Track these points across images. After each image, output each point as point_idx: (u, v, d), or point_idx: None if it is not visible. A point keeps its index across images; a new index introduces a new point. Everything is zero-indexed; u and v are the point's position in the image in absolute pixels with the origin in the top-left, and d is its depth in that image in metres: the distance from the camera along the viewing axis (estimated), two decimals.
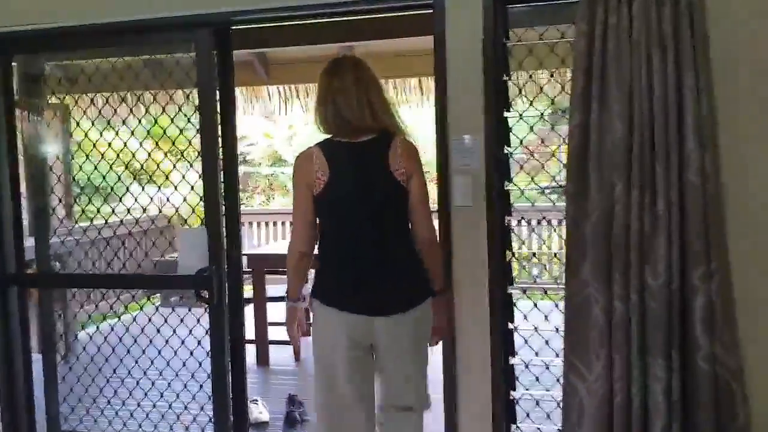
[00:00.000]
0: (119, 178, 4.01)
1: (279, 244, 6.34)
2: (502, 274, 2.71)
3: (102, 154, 3.58)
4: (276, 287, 5.02)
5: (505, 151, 2.81)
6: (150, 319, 3.59)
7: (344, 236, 2.40)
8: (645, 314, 2.29)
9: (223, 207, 3.14)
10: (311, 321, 2.55)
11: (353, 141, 2.39)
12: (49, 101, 3.67)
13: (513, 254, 2.87)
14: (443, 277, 2.53)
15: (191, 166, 3.37)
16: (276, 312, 4.75)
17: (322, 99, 2.42)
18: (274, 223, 7.62)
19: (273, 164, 25.13)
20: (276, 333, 5.04)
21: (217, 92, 3.04)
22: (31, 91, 3.53)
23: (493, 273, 2.69)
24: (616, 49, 2.33)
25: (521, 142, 2.95)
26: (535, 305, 3.01)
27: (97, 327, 4.31)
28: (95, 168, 3.52)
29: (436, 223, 2.54)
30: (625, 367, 2.31)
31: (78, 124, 3.85)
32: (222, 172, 3.09)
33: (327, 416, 2.45)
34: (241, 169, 24.23)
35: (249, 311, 4.96)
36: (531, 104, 3.03)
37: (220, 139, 3.11)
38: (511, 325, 2.78)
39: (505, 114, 2.79)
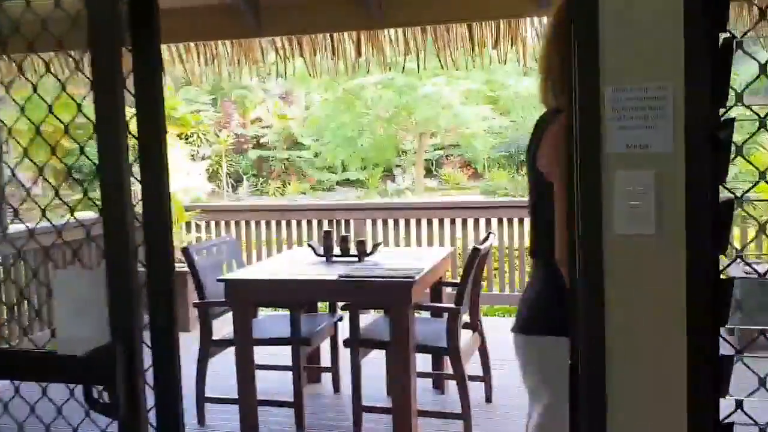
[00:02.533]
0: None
1: (278, 262, 3.88)
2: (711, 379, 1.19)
3: None
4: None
5: (727, 117, 1.27)
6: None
7: None
8: None
9: (137, 222, 1.66)
10: None
11: None
12: None
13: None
14: None
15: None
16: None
17: None
18: (288, 224, 5.79)
19: (289, 148, 23.84)
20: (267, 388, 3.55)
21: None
22: None
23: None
24: None
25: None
26: None
27: None
28: None
29: None
30: None
31: None
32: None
33: None
34: (256, 153, 23.08)
35: (225, 360, 3.48)
36: None
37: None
38: None
39: (723, 38, 1.26)
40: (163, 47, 4.51)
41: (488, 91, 13.30)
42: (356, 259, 3.54)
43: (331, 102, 14.46)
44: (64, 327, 1.76)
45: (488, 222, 5.39)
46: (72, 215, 1.84)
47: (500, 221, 5.35)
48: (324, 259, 3.59)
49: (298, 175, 23.60)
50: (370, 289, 3.11)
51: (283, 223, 5.67)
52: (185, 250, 3.58)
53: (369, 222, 5.50)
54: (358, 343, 3.27)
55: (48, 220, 1.83)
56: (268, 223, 5.70)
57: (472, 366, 3.56)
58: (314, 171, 23.17)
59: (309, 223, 5.66)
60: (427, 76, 12.83)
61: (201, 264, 3.68)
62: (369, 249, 3.59)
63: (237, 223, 5.80)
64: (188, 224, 5.76)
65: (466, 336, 3.44)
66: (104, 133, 1.65)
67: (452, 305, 3.18)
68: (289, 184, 23.28)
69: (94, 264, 5.01)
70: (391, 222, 5.51)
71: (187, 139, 24.01)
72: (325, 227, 5.55)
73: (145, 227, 1.73)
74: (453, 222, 5.43)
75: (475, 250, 3.19)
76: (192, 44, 4.40)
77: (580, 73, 1.32)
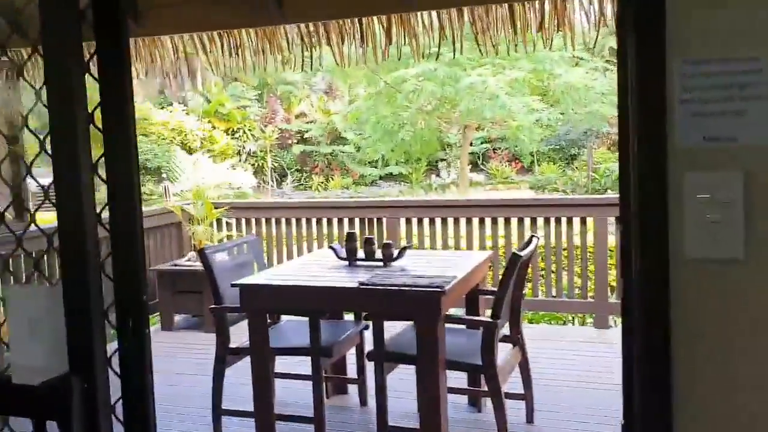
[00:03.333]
0: None
1: (298, 265, 3.53)
2: None
3: None
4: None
5: None
6: None
7: None
8: None
9: (105, 230, 1.41)
10: None
11: None
12: None
13: None
14: None
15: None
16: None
17: None
18: (318, 222, 5.52)
19: (332, 142, 23.68)
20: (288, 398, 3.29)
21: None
22: None
23: None
24: None
25: None
26: None
27: None
28: None
29: None
30: None
31: None
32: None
33: None
34: (300, 147, 23.04)
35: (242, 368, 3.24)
36: None
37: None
38: None
39: None
40: (186, 37, 4.31)
41: (535, 81, 12.76)
42: (381, 263, 3.25)
43: (372, 96, 14.14)
44: (19, 351, 1.52)
45: (533, 221, 5.01)
46: (32, 222, 1.59)
47: (547, 220, 4.96)
48: (346, 262, 3.30)
49: (341, 169, 23.44)
50: (394, 299, 2.81)
51: (314, 221, 5.41)
52: (201, 252, 3.35)
53: (402, 221, 5.18)
54: (383, 358, 2.98)
55: (6, 226, 1.59)
56: (298, 221, 5.46)
57: (512, 381, 3.22)
58: (357, 165, 22.97)
59: (340, 221, 5.39)
60: (471, 66, 12.38)
61: (221, 266, 3.44)
62: (395, 253, 3.28)
63: (267, 221, 5.57)
64: (218, 222, 5.57)
65: (504, 350, 3.11)
66: (58, 125, 1.39)
67: (488, 319, 2.85)
68: (332, 178, 23.13)
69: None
70: (426, 221, 5.19)
71: (233, 134, 24.19)
72: (357, 226, 5.26)
73: (112, 235, 1.47)
74: (495, 221, 5.05)
75: (515, 257, 2.85)
76: (215, 34, 4.17)
77: (638, 41, 0.99)
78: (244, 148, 23.37)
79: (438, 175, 24.87)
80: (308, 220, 5.45)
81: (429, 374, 2.82)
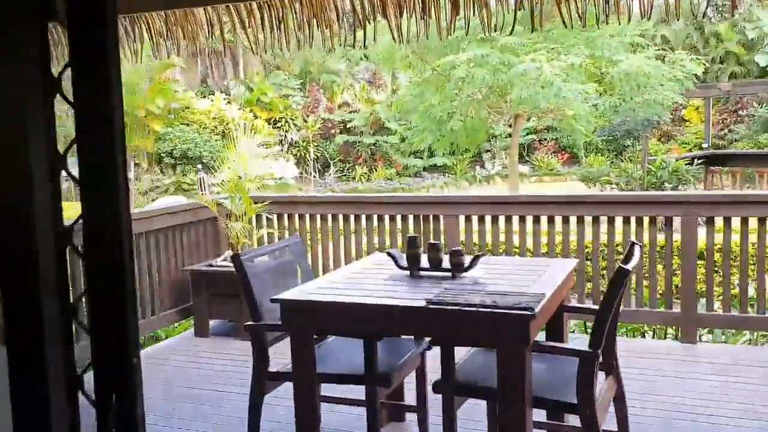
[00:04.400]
0: None
1: (351, 274, 2.96)
2: None
3: None
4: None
5: None
6: None
7: None
8: None
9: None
10: None
11: None
12: None
13: None
14: None
15: None
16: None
17: None
18: (368, 218, 4.76)
19: (375, 132, 23.16)
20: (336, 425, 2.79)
21: None
22: None
23: None
24: None
25: None
26: None
27: None
28: None
29: None
30: None
31: None
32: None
33: None
34: (343, 137, 22.68)
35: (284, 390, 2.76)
36: None
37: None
38: None
39: None
40: (221, 9, 3.82)
41: (593, 68, 11.97)
42: (449, 274, 2.70)
43: (419, 84, 13.49)
44: None
45: (611, 221, 4.40)
46: None
47: (626, 220, 4.35)
48: (408, 273, 2.77)
49: (385, 160, 22.90)
50: (470, 323, 2.26)
51: (363, 218, 4.89)
52: (236, 258, 2.86)
53: (462, 218, 4.61)
54: (453, 390, 2.45)
55: None
56: (345, 217, 4.94)
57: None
58: (400, 156, 22.41)
59: (392, 218, 4.85)
60: (525, 52, 11.65)
61: (258, 273, 2.95)
62: (467, 261, 2.74)
63: (312, 217, 5.07)
64: (258, 218, 5.10)
65: (598, 381, 2.54)
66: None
67: (587, 349, 2.29)
68: (376, 169, 22.63)
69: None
70: (488, 219, 4.61)
71: (275, 123, 23.92)
72: (411, 224, 4.72)
73: (86, 261, 0.97)
74: (566, 220, 4.45)
75: (622, 272, 2.28)
76: (254, 5, 3.67)
77: None
78: (286, 138, 23.06)
79: (482, 167, 24.15)
80: (357, 217, 4.95)
81: (513, 413, 2.28)
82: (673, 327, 4.93)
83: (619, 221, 4.37)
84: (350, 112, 23.85)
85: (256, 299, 2.81)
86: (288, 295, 2.58)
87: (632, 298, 4.50)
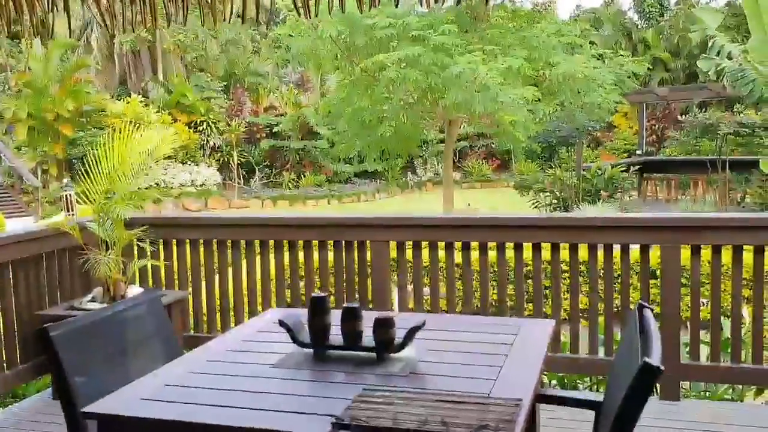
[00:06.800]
0: None
1: (223, 356, 2.19)
2: None
3: None
4: None
5: None
6: None
7: None
8: None
9: None
10: None
11: None
12: None
13: None
14: None
15: None
16: None
17: None
18: (278, 245, 3.71)
19: (304, 137, 22.08)
20: None
21: None
22: None
23: None
24: None
25: None
26: None
27: None
28: None
29: None
30: None
31: None
32: None
33: None
34: (269, 142, 21.50)
35: None
36: None
37: None
38: None
39: None
40: None
41: (530, 71, 11.35)
42: (373, 355, 1.78)
43: (346, 85, 12.51)
44: None
45: (608, 249, 3.32)
46: None
47: (624, 248, 3.35)
48: (309, 352, 1.83)
49: (314, 166, 21.84)
50: None
51: (270, 244, 3.89)
52: (43, 334, 1.83)
53: (392, 244, 3.65)
54: None
55: None
56: (248, 244, 3.91)
57: None
58: (330, 162, 21.41)
59: (307, 244, 3.82)
60: (459, 53, 10.90)
61: (86, 350, 1.95)
62: (399, 335, 1.81)
63: (207, 243, 4.01)
64: (135, 246, 4.02)
65: None
66: None
67: None
68: (304, 175, 21.54)
69: None
70: (441, 246, 3.60)
71: (196, 127, 22.47)
72: (330, 255, 3.74)
73: None
74: (537, 247, 3.44)
75: (651, 371, 1.40)
76: None
77: None
78: (208, 142, 21.67)
79: (414, 173, 23.44)
80: (263, 243, 3.95)
81: None
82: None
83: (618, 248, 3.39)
84: (277, 116, 22.69)
85: (74, 391, 1.80)
86: (103, 405, 1.58)
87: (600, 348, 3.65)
